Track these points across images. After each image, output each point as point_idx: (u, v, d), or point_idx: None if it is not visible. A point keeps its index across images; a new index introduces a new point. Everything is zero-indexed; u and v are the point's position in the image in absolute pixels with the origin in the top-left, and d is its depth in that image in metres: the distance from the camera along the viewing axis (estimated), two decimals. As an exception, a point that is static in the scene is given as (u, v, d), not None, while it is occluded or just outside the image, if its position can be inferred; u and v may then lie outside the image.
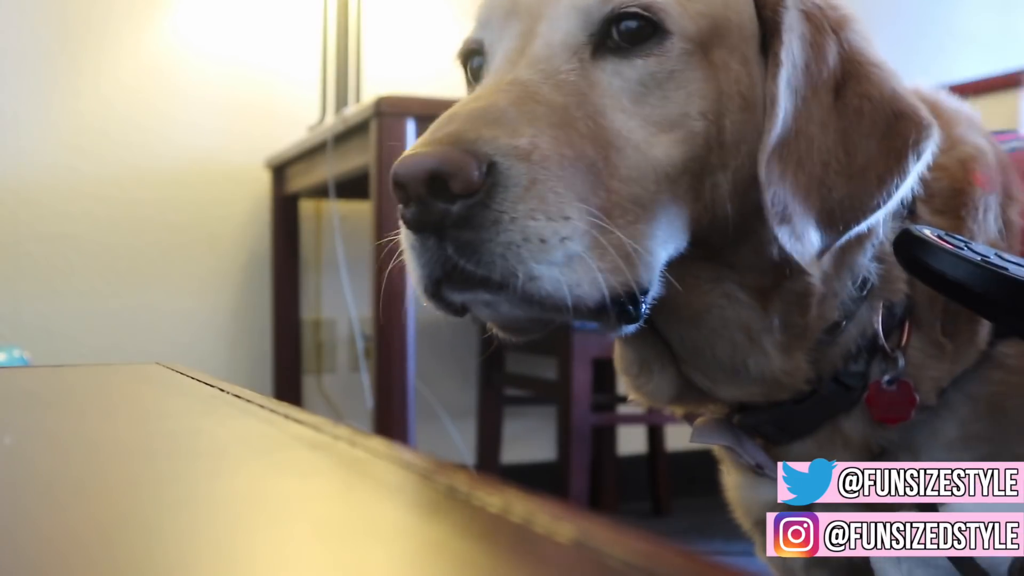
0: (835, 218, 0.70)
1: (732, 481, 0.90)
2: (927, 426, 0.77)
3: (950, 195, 0.79)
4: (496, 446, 2.68)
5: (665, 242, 0.69)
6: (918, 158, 0.71)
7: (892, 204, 0.71)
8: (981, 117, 0.86)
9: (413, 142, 2.12)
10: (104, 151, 2.55)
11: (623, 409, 2.78)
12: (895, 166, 0.71)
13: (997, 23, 3.43)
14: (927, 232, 0.69)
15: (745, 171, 0.72)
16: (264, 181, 2.69)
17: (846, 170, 0.71)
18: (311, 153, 2.37)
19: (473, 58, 0.80)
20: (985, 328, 0.77)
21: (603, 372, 2.65)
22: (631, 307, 0.68)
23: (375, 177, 1.93)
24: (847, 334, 0.76)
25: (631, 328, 0.70)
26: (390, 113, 1.91)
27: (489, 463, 2.65)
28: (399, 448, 0.42)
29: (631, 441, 2.85)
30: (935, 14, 3.42)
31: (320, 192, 2.47)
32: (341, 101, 2.51)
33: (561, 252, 0.62)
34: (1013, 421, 0.77)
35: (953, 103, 0.85)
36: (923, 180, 0.75)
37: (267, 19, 2.71)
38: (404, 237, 0.67)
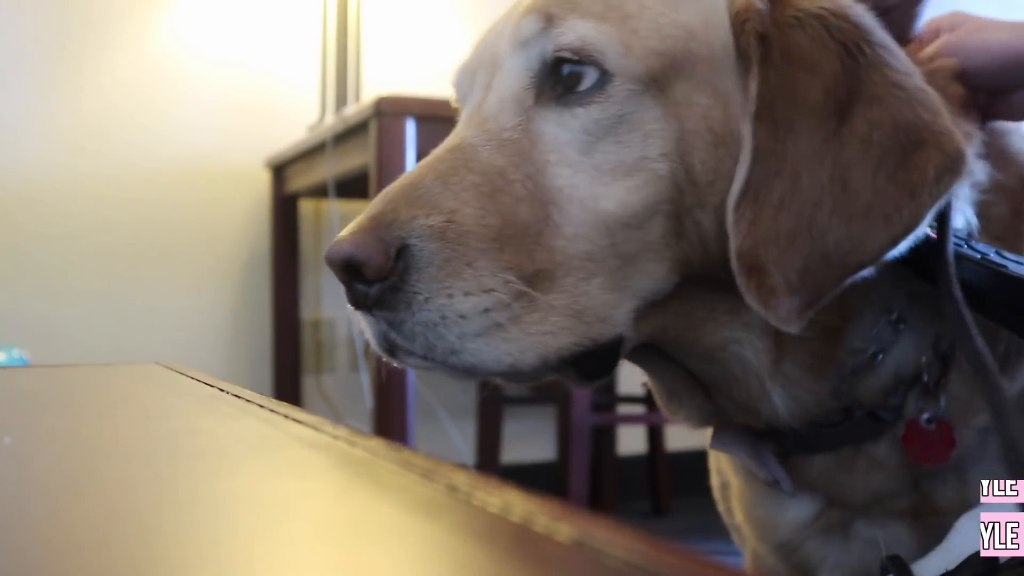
0: (831, 263, 0.63)
1: (747, 497, 0.84)
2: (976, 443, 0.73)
3: (1013, 217, 0.73)
4: (496, 446, 2.68)
5: (637, 291, 0.66)
6: (938, 194, 0.63)
7: (904, 246, 0.64)
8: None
9: (413, 142, 2.12)
10: (104, 151, 2.55)
11: (623, 409, 2.78)
12: (905, 204, 0.62)
13: (997, 23, 3.43)
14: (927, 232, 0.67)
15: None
16: (264, 181, 2.69)
17: (845, 209, 0.63)
18: (311, 153, 2.38)
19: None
20: None
21: (603, 372, 2.65)
22: (604, 360, 0.67)
23: (375, 177, 1.93)
24: (884, 367, 0.71)
25: (596, 382, 0.70)
26: (390, 113, 1.91)
27: (489, 463, 2.65)
28: (399, 448, 0.42)
29: (631, 441, 2.85)
30: (934, 13, 3.42)
31: (320, 192, 2.48)
32: (341, 101, 2.51)
33: (479, 324, 0.62)
34: None
35: None
36: (979, 203, 0.70)
37: (267, 19, 2.71)
38: None
